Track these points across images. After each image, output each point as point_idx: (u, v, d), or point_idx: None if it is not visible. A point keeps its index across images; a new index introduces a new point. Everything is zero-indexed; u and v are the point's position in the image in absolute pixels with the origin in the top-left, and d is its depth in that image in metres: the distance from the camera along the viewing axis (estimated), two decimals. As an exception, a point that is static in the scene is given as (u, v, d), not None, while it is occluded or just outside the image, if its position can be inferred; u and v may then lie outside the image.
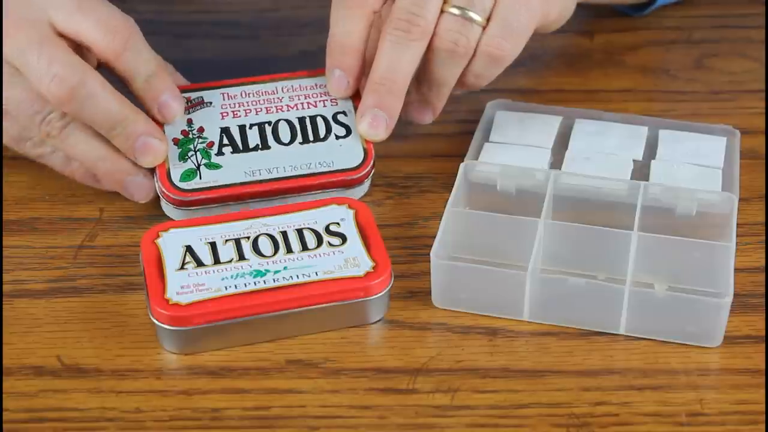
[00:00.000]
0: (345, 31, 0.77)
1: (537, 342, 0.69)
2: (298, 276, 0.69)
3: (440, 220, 0.71)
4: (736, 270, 0.69)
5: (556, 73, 0.84)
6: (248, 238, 0.71)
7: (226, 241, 0.70)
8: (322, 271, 0.69)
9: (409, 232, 0.75)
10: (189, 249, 0.70)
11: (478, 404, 0.65)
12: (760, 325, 0.69)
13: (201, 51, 0.92)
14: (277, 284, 0.68)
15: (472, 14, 0.74)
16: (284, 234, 0.71)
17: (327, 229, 0.71)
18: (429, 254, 0.69)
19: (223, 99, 0.79)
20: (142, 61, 0.74)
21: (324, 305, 0.68)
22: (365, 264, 0.69)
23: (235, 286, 0.68)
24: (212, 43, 0.93)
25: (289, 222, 0.72)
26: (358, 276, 0.69)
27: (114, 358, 0.68)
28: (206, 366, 0.67)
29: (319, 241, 0.71)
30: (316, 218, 0.72)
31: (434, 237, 0.70)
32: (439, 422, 0.64)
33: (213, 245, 0.70)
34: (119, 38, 0.73)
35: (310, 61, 0.91)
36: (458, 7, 0.74)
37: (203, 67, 0.90)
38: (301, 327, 0.69)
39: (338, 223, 0.71)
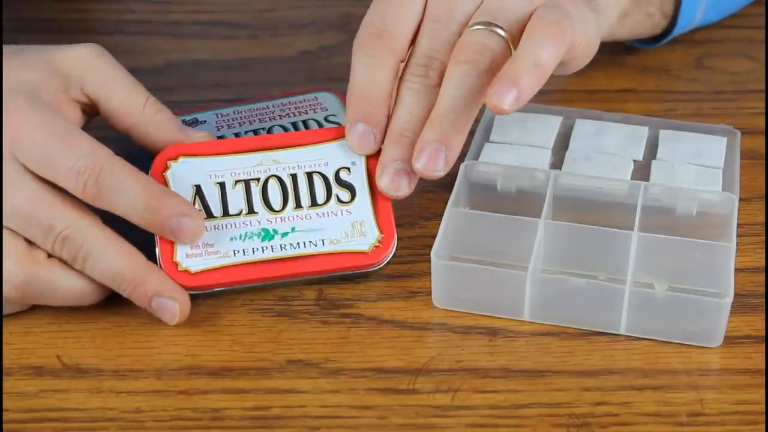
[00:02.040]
0: (370, 79, 0.71)
1: (537, 342, 0.69)
2: (304, 244, 0.70)
3: (440, 220, 0.71)
4: (736, 270, 0.69)
5: (556, 73, 0.84)
6: (258, 180, 0.71)
7: (236, 182, 0.71)
8: (329, 239, 0.70)
9: (409, 232, 0.75)
10: (198, 191, 0.70)
11: (478, 404, 0.65)
12: (760, 325, 0.69)
13: (200, 51, 0.92)
14: (284, 254, 0.69)
15: (494, 29, 0.70)
16: (294, 179, 0.71)
17: (337, 177, 0.71)
18: (429, 254, 0.69)
19: (217, 117, 0.80)
20: (126, 198, 0.67)
21: (329, 275, 0.71)
22: (372, 234, 0.70)
23: (243, 251, 0.69)
24: (211, 43, 0.93)
25: (300, 160, 0.72)
26: (364, 252, 0.70)
27: (114, 358, 0.68)
28: (206, 366, 0.67)
29: (328, 193, 0.71)
30: (327, 157, 0.72)
31: (434, 237, 0.70)
32: (440, 422, 0.64)
33: (222, 187, 0.70)
34: (88, 183, 0.66)
35: (309, 61, 0.91)
36: (480, 23, 0.70)
37: (203, 67, 0.91)
38: (304, 281, 0.71)
39: (348, 169, 0.72)
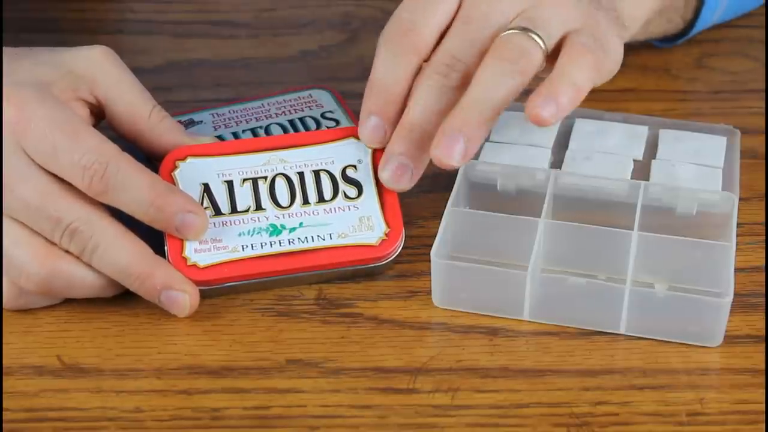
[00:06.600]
0: (389, 75, 0.71)
1: (537, 342, 0.69)
2: (312, 238, 0.70)
3: (440, 220, 0.71)
4: (736, 270, 0.69)
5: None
6: (265, 178, 0.71)
7: (244, 180, 0.71)
8: (337, 233, 0.70)
9: (409, 232, 0.75)
10: (207, 189, 0.71)
11: (478, 404, 0.65)
12: (761, 324, 0.69)
13: (200, 51, 0.92)
14: (292, 248, 0.70)
15: (534, 36, 0.70)
16: (301, 176, 0.71)
17: (344, 175, 0.72)
18: (429, 254, 0.69)
19: (213, 117, 0.80)
20: (131, 194, 0.67)
21: (337, 269, 0.71)
22: (379, 227, 0.71)
23: (252, 246, 0.69)
24: (211, 42, 0.93)
25: (307, 159, 0.72)
26: (372, 245, 0.70)
27: (114, 358, 0.68)
28: (206, 366, 0.67)
29: (335, 190, 0.71)
30: (333, 156, 0.72)
31: (434, 237, 0.70)
32: (440, 422, 0.64)
33: (230, 185, 0.71)
34: (93, 178, 0.66)
35: (310, 60, 0.91)
36: (519, 28, 0.70)
37: (202, 67, 0.91)
38: (311, 278, 0.71)
39: (355, 167, 0.72)
